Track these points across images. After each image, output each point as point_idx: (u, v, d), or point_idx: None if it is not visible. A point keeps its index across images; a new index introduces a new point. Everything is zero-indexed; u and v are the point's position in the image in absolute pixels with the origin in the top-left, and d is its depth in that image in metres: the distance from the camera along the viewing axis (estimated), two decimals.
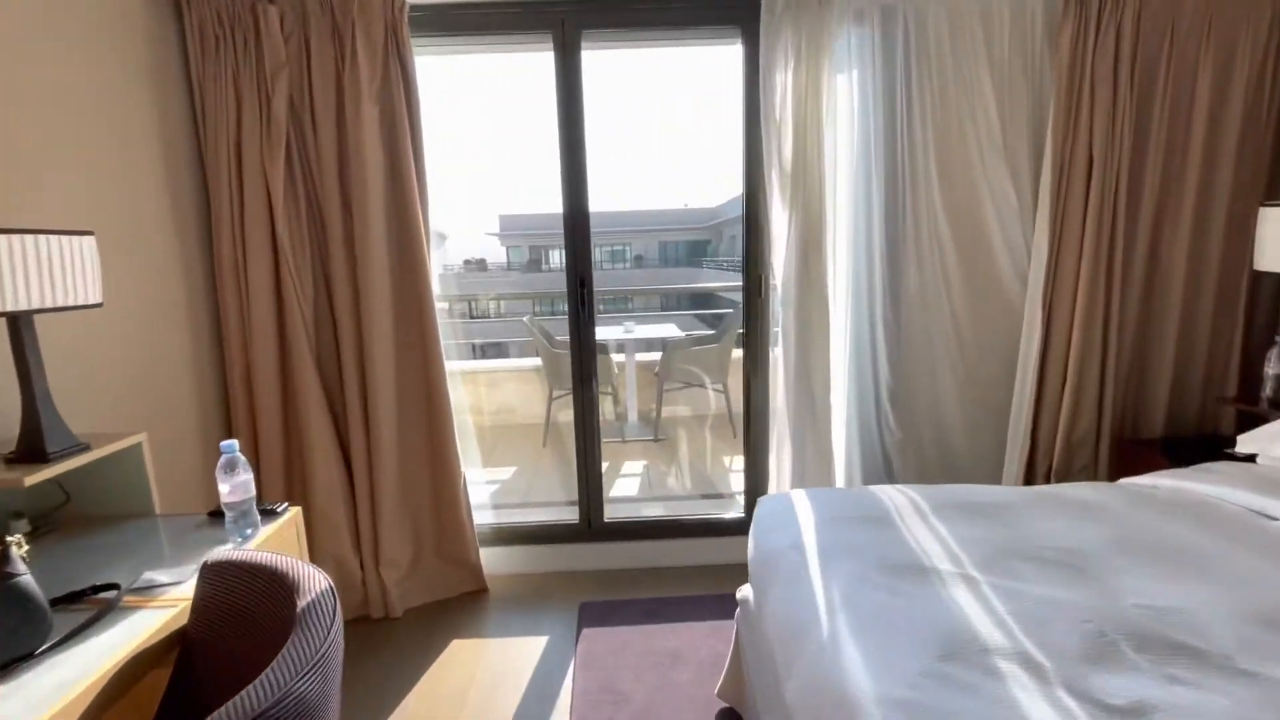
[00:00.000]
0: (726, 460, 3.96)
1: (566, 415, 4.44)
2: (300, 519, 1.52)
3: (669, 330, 4.48)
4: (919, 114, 2.25)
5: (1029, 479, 2.42)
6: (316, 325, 2.24)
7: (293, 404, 2.22)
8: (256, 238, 2.11)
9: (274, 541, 1.40)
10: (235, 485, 1.32)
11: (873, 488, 1.72)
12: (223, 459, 1.31)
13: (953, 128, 2.26)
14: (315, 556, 2.26)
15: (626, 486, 3.60)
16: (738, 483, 3.59)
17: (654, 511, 3.33)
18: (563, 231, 2.41)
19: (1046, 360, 2.34)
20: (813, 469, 2.43)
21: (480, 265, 25.23)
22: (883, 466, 2.55)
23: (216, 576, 1.06)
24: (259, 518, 1.38)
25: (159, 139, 1.98)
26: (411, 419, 2.33)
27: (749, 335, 2.54)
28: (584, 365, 2.54)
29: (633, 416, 4.39)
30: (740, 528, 2.66)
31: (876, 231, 2.35)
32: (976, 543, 1.33)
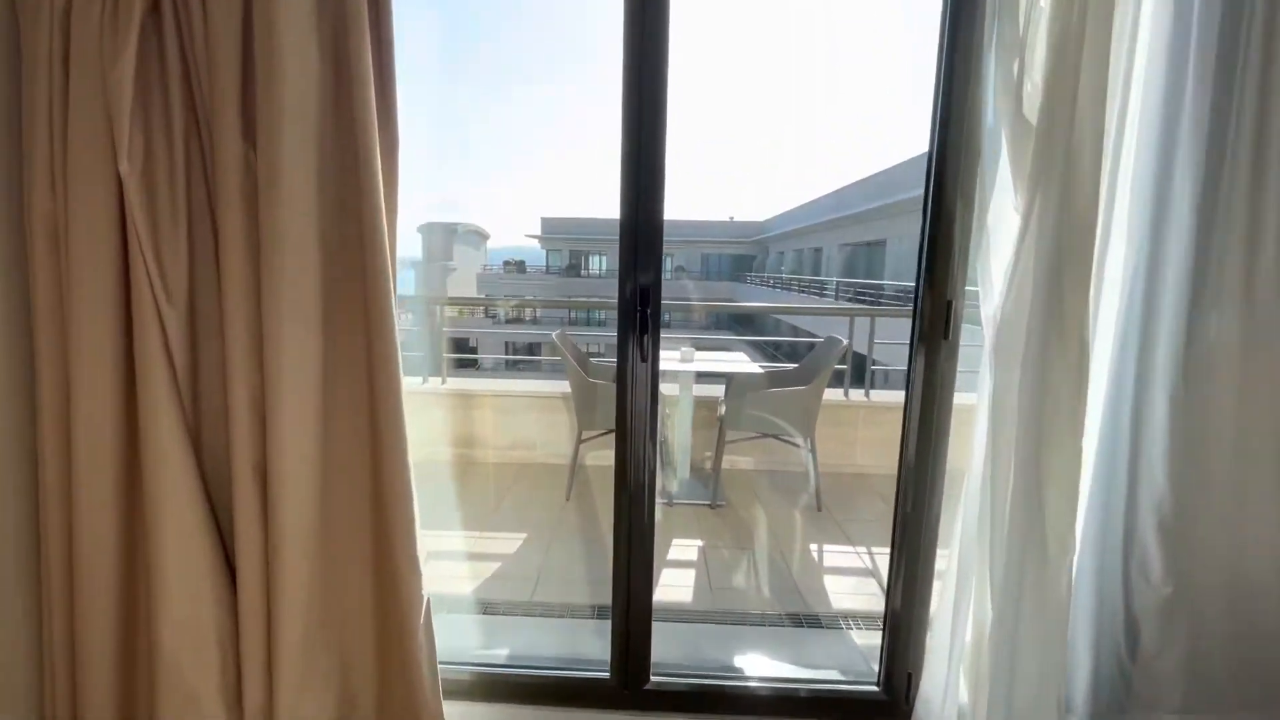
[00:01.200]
0: (814, 550, 2.92)
1: (596, 458, 3.51)
2: None
3: (739, 361, 3.47)
4: None
5: None
6: (191, 337, 1.32)
7: (136, 469, 1.30)
8: (87, 185, 1.20)
9: None
10: None
11: None
12: None
13: None
14: None
15: (676, 581, 2.60)
16: (838, 592, 2.51)
17: (718, 645, 2.18)
18: (618, 229, 1.48)
19: None
20: (1030, 630, 1.40)
21: (520, 267, 24.79)
22: (1123, 637, 1.51)
23: None
24: None
25: None
26: (344, 495, 1.38)
27: (924, 392, 1.52)
28: (636, 415, 1.56)
29: (684, 471, 3.39)
30: (879, 709, 1.65)
31: (1176, 243, 1.33)
32: None
